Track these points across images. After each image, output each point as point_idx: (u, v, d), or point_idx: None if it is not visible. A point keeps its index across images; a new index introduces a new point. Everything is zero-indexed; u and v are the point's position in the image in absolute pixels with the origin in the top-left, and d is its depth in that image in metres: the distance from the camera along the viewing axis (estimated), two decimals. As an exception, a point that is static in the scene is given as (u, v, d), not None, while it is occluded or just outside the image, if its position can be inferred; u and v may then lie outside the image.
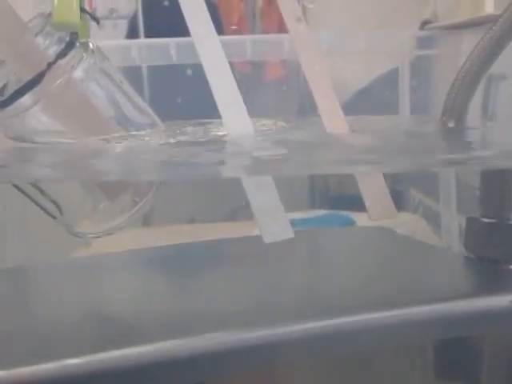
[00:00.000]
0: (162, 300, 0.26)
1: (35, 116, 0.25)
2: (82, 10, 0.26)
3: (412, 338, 0.25)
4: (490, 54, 0.35)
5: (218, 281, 0.29)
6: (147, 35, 1.08)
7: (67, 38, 0.25)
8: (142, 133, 0.28)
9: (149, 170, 0.24)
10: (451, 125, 0.33)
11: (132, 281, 0.30)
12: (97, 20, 0.28)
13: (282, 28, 1.16)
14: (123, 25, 1.17)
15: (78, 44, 0.25)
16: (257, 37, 0.43)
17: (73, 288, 0.29)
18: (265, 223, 0.23)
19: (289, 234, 0.23)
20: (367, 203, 0.25)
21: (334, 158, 0.22)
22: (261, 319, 0.22)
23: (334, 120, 0.28)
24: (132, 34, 1.13)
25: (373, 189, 0.25)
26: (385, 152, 0.22)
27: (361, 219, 0.60)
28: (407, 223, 0.62)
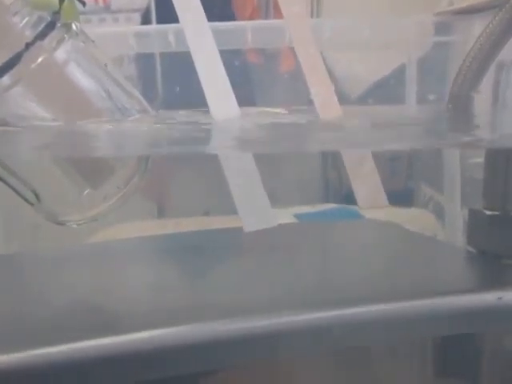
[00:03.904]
0: (169, 287, 0.26)
1: (17, 99, 0.25)
2: (68, -9, 0.26)
3: (407, 334, 0.24)
4: (498, 39, 0.33)
5: (226, 270, 0.28)
6: (160, 28, 1.08)
7: (48, 18, 0.24)
8: (130, 118, 0.28)
9: (134, 146, 0.23)
10: (456, 111, 0.31)
11: (138, 268, 0.30)
12: (82, 2, 0.27)
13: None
14: (136, 18, 1.18)
15: (58, 25, 0.25)
16: (257, 23, 0.42)
17: (78, 274, 0.29)
18: (246, 211, 0.21)
19: (271, 222, 0.21)
20: (355, 190, 0.24)
21: (319, 137, 0.21)
22: (259, 310, 0.22)
23: (327, 105, 0.27)
24: (145, 26, 1.13)
25: (362, 175, 0.24)
26: (373, 131, 0.21)
27: (370, 214, 0.58)
28: (417, 218, 0.60)
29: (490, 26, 0.33)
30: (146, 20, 1.14)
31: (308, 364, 0.24)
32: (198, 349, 0.20)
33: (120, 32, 0.43)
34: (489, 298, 0.24)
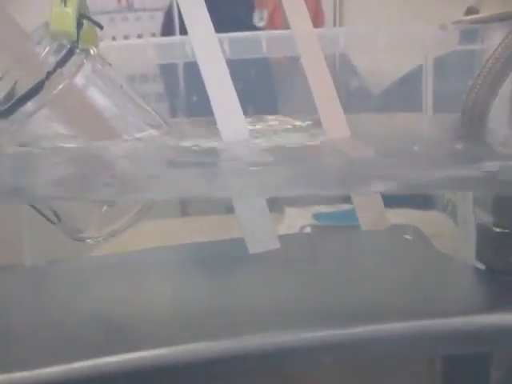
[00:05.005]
0: (192, 300, 0.26)
1: (40, 122, 0.26)
2: (86, 17, 0.27)
3: (413, 352, 0.24)
4: (514, 51, 0.32)
5: (235, 282, 0.28)
6: (182, 26, 1.09)
7: (68, 46, 0.26)
8: (143, 134, 0.29)
9: (147, 188, 0.24)
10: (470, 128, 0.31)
11: (157, 280, 0.30)
12: (100, 26, 0.28)
13: (315, 18, 1.13)
14: (159, 16, 1.19)
15: (77, 51, 0.26)
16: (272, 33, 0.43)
17: (96, 287, 0.29)
18: (251, 233, 0.22)
19: (274, 244, 0.22)
20: (358, 212, 0.24)
21: (324, 176, 0.21)
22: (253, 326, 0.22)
23: (334, 124, 0.27)
24: (168, 25, 1.15)
25: (365, 198, 0.24)
26: (379, 167, 0.21)
27: (388, 215, 0.58)
28: (435, 222, 0.60)
29: (507, 38, 0.32)
30: (168, 19, 1.15)
31: (313, 380, 0.24)
32: (218, 365, 0.20)
33: (139, 44, 0.44)
34: (496, 317, 0.24)
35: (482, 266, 0.29)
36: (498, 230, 0.28)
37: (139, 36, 1.22)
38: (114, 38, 1.16)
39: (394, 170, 0.21)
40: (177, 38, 0.46)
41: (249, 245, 0.23)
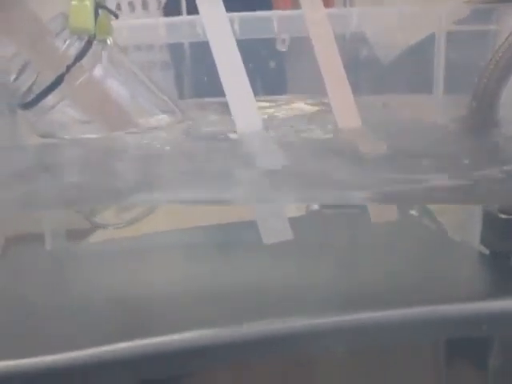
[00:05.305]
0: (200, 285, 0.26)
1: (60, 113, 0.27)
2: (103, 6, 0.27)
3: (416, 337, 0.25)
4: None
5: (238, 267, 0.28)
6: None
7: (86, 38, 0.26)
8: (159, 118, 0.30)
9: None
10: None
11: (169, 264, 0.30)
12: (115, 15, 0.29)
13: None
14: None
15: (95, 42, 0.27)
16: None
17: (112, 270, 0.29)
18: (265, 224, 0.24)
19: (287, 235, 0.23)
20: (369, 206, 0.25)
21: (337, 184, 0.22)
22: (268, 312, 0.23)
23: (346, 113, 0.28)
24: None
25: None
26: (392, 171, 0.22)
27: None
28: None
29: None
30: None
31: (320, 366, 0.25)
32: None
33: (150, 23, 0.44)
34: (499, 302, 0.24)
35: (485, 251, 0.30)
36: (503, 216, 0.29)
37: (144, 3, 1.19)
38: (118, 5, 1.14)
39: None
40: (187, 17, 0.45)
41: (263, 235, 0.24)
